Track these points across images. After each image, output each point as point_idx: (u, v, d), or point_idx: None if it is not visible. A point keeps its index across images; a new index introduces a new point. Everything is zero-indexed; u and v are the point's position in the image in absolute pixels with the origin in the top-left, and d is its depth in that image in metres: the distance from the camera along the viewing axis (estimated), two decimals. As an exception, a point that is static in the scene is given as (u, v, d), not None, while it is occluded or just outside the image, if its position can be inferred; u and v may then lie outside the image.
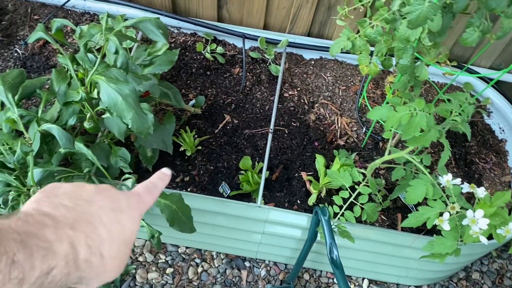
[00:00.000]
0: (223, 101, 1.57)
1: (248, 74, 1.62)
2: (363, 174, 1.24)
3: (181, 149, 1.40)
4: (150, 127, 0.98)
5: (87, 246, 0.40)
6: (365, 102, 1.57)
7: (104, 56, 1.03)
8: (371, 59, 1.17)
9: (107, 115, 1.04)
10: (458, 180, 0.96)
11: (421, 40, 0.95)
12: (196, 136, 1.44)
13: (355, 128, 1.56)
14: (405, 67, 0.98)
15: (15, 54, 1.57)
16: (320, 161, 1.34)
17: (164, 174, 0.55)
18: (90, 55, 1.05)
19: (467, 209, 0.93)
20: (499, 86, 1.67)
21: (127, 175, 1.08)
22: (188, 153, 1.40)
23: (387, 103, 1.12)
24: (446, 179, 0.95)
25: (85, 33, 0.97)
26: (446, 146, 1.00)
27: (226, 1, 1.61)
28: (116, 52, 0.90)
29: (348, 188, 1.18)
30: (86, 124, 1.06)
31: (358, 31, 1.10)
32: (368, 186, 1.18)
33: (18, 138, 1.09)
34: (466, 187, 0.97)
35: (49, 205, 0.41)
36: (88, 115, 1.05)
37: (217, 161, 1.43)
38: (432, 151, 1.53)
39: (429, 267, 1.45)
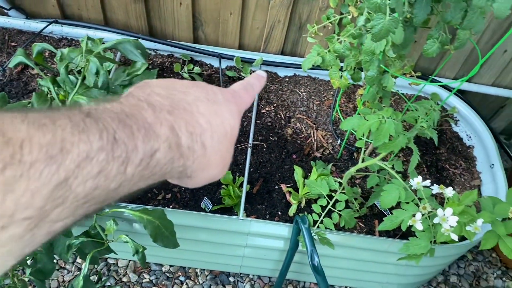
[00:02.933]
0: (202, 119, 1.60)
1: (225, 92, 1.66)
2: (340, 183, 1.29)
3: (162, 167, 1.43)
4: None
5: (188, 132, 0.37)
6: (339, 115, 1.64)
7: (84, 78, 1.06)
8: (341, 73, 1.24)
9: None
10: (427, 182, 1.02)
11: (385, 52, 1.02)
12: (176, 153, 1.47)
13: (330, 141, 1.62)
14: (372, 78, 1.05)
15: (-7, 80, 1.58)
16: (298, 172, 1.38)
17: (260, 75, 0.51)
18: (71, 77, 1.08)
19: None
20: (464, 96, 1.77)
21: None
22: (169, 171, 1.43)
23: (359, 114, 1.18)
24: (416, 181, 1.01)
25: (65, 56, 1.00)
26: (415, 151, 1.06)
27: (202, 23, 1.67)
28: (97, 73, 0.94)
29: (325, 196, 1.22)
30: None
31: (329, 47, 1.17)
32: (344, 193, 1.23)
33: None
34: (436, 189, 1.03)
35: (142, 93, 0.38)
36: None
37: (198, 177, 1.45)
38: (405, 159, 1.60)
39: (408, 272, 1.49)
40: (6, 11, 1.66)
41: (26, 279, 1.12)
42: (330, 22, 1.23)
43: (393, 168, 1.14)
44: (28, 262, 1.08)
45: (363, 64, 1.05)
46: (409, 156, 1.60)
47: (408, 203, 1.08)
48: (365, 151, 1.36)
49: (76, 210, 0.28)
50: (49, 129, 0.27)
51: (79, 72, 1.06)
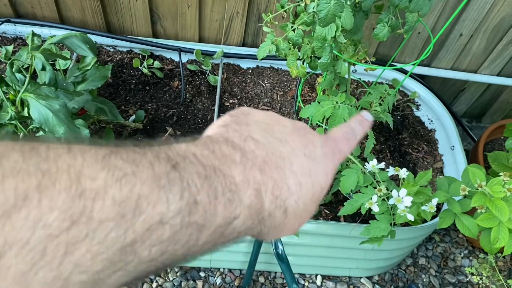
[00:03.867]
0: (164, 114, 1.59)
1: (187, 86, 1.65)
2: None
3: (124, 164, 1.40)
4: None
5: (273, 196, 0.32)
6: (301, 105, 1.65)
7: (35, 76, 1.03)
8: (299, 62, 1.24)
9: (40, 133, 1.04)
10: (382, 165, 1.03)
11: (337, 38, 1.02)
12: (138, 150, 1.45)
13: (295, 130, 1.62)
14: (325, 65, 1.05)
15: None
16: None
17: (365, 119, 0.43)
18: (19, 75, 1.05)
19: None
20: (425, 81, 1.80)
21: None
22: (132, 168, 1.41)
23: (318, 102, 1.18)
24: (372, 164, 1.02)
25: (10, 53, 0.97)
26: (370, 135, 1.08)
27: (159, 17, 1.64)
28: (43, 69, 0.91)
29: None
30: (19, 144, 1.05)
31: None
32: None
33: None
34: (392, 171, 1.04)
35: (239, 135, 0.33)
36: (21, 135, 1.04)
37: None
38: (363, 144, 1.61)
39: (376, 256, 1.51)
40: (-46, 11, 1.60)
41: None
42: (285, 11, 1.23)
43: (351, 153, 1.15)
44: None
45: (315, 50, 1.05)
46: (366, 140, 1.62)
47: (367, 186, 1.09)
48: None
49: (135, 274, 0.25)
50: (128, 181, 0.24)
51: (27, 69, 1.03)
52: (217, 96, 1.59)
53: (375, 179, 1.10)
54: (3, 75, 1.07)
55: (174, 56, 1.72)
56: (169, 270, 1.59)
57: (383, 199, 1.03)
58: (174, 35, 1.71)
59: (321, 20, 0.87)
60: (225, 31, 1.67)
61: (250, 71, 1.75)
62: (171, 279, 1.58)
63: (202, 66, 1.67)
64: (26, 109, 1.00)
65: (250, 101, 1.67)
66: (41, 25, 1.63)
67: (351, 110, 1.00)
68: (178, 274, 1.59)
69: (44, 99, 0.94)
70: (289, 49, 1.13)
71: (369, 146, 1.08)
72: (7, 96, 1.06)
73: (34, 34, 0.97)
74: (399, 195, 0.96)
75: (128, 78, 1.64)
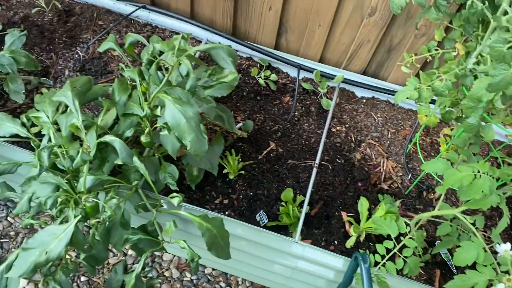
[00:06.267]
0: (270, 127, 1.56)
1: (298, 104, 1.61)
2: (406, 223, 1.20)
3: (224, 171, 1.40)
4: (206, 151, 0.99)
5: None
6: (417, 149, 1.54)
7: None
8: (432, 110, 1.15)
9: (164, 132, 1.05)
10: (516, 251, 0.92)
11: (493, 101, 0.92)
12: (240, 160, 1.44)
13: (400, 174, 1.53)
14: (472, 126, 0.96)
15: (76, 56, 1.61)
16: (364, 204, 1.31)
17: None
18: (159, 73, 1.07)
19: (522, 283, 0.89)
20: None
21: (174, 194, 1.09)
22: (231, 176, 1.40)
23: (442, 157, 1.09)
24: (505, 248, 0.91)
25: (157, 51, 0.98)
26: (505, 212, 0.97)
27: (287, 29, 1.62)
28: (187, 75, 0.91)
29: (393, 239, 1.15)
30: (143, 138, 1.07)
31: (417, 75, 1.09)
32: (413, 239, 1.15)
33: (74, 142, 1.11)
34: (524, 260, 0.93)
35: None
36: (146, 130, 1.06)
37: (258, 188, 1.42)
38: (487, 214, 1.48)
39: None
40: (99, -10, 1.69)
41: (79, 262, 1.13)
42: (431, 55, 1.15)
43: (474, 224, 1.05)
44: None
45: (464, 109, 0.96)
46: (493, 211, 1.48)
47: (485, 266, 0.99)
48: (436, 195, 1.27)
49: None
50: None
51: (166, 68, 1.04)
52: (328, 121, 1.53)
53: (495, 259, 0.99)
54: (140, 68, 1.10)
55: (290, 71, 1.69)
56: (240, 282, 1.57)
57: None
58: (295, 50, 1.68)
59: (492, 86, 0.78)
60: (350, 56, 1.60)
61: (364, 100, 1.68)
62: (240, 292, 1.56)
63: (318, 87, 1.63)
64: (158, 108, 1.01)
65: (358, 131, 1.60)
66: (172, 17, 1.68)
67: (493, 183, 0.91)
68: (248, 289, 1.57)
69: (180, 104, 0.94)
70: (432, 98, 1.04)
71: (501, 226, 0.97)
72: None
73: (183, 37, 0.98)
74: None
75: (242, 85, 1.63)
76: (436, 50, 1.14)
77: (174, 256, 1.60)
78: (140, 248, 1.14)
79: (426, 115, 1.18)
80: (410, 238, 1.15)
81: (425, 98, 1.04)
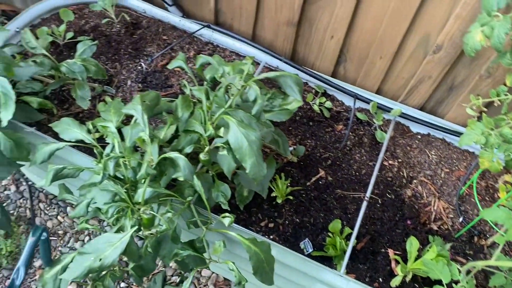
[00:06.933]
0: (320, 154, 1.56)
1: (350, 133, 1.60)
2: (459, 270, 1.16)
3: (272, 194, 1.40)
4: (264, 175, 0.99)
5: None
6: (470, 192, 1.49)
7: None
8: (496, 155, 1.12)
9: (223, 152, 1.07)
10: None
11: None
12: (288, 184, 1.44)
13: (451, 215, 1.48)
14: (543, 179, 0.92)
15: (139, 68, 1.67)
16: (414, 244, 1.28)
17: None
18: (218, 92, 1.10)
19: None
20: None
21: (226, 214, 1.10)
22: (279, 200, 1.40)
23: (502, 204, 1.05)
24: None
25: (226, 74, 1.01)
26: None
27: (346, 58, 1.62)
28: (254, 100, 0.93)
29: (444, 285, 1.11)
30: (202, 156, 1.09)
31: (478, 118, 1.06)
32: (466, 288, 1.11)
33: (135, 153, 1.15)
34: None
35: None
36: (206, 149, 1.08)
37: (304, 215, 1.41)
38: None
39: None
40: (167, 6, 1.76)
41: (126, 271, 1.16)
42: (500, 100, 1.12)
43: (535, 280, 1.00)
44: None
45: (536, 160, 0.93)
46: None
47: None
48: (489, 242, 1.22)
49: None
50: None
51: (224, 88, 1.07)
52: (381, 155, 1.51)
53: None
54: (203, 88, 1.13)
55: (345, 99, 1.68)
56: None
57: None
58: (352, 79, 1.68)
59: None
60: (408, 90, 1.58)
61: (419, 136, 1.65)
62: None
63: (373, 119, 1.61)
64: (221, 129, 1.03)
65: (410, 168, 1.57)
66: (234, 37, 1.72)
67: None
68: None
69: (244, 127, 0.96)
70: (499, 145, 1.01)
71: None
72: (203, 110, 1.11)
73: (252, 62, 1.00)
74: None
75: (296, 109, 1.64)
76: (506, 95, 1.11)
77: (213, 273, 1.60)
78: (185, 263, 1.15)
79: (488, 161, 1.14)
80: (462, 286, 1.10)
81: (492, 144, 1.01)
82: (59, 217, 1.71)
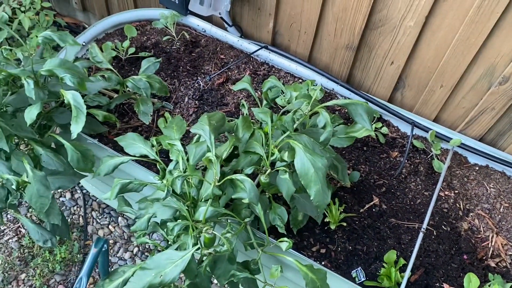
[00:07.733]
0: (374, 181, 1.54)
1: (406, 161, 1.57)
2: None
3: (326, 219, 1.39)
4: (328, 203, 0.99)
5: None
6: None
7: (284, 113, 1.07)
8: None
9: (285, 175, 1.07)
10: None
11: None
12: (342, 210, 1.42)
13: (510, 252, 1.42)
14: None
15: (196, 85, 1.71)
16: (473, 281, 1.23)
17: None
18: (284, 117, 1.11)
19: None
20: None
21: (284, 238, 1.09)
22: (332, 226, 1.38)
23: None
24: None
25: (293, 99, 1.02)
26: None
27: (405, 85, 1.60)
28: (324, 127, 0.93)
29: (509, 328, 1.06)
30: (263, 178, 1.10)
31: None
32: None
33: (196, 171, 1.17)
34: None
35: None
36: (267, 172, 1.09)
37: (357, 242, 1.39)
38: None
39: None
40: (227, 26, 1.79)
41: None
42: None
43: None
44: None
45: None
46: None
47: None
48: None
49: None
50: None
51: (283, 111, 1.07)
52: (438, 185, 1.47)
53: None
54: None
55: (401, 126, 1.66)
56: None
57: None
58: (410, 106, 1.65)
59: None
60: (468, 120, 1.54)
61: (477, 168, 1.60)
62: None
63: (431, 147, 1.58)
64: (286, 153, 1.03)
65: (467, 200, 1.52)
66: (290, 59, 1.73)
67: None
68: None
69: (310, 153, 0.96)
70: None
71: None
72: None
73: (320, 89, 1.00)
74: None
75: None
76: None
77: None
78: (238, 285, 1.15)
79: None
80: (529, 331, 1.05)
81: None
82: (110, 227, 1.76)
